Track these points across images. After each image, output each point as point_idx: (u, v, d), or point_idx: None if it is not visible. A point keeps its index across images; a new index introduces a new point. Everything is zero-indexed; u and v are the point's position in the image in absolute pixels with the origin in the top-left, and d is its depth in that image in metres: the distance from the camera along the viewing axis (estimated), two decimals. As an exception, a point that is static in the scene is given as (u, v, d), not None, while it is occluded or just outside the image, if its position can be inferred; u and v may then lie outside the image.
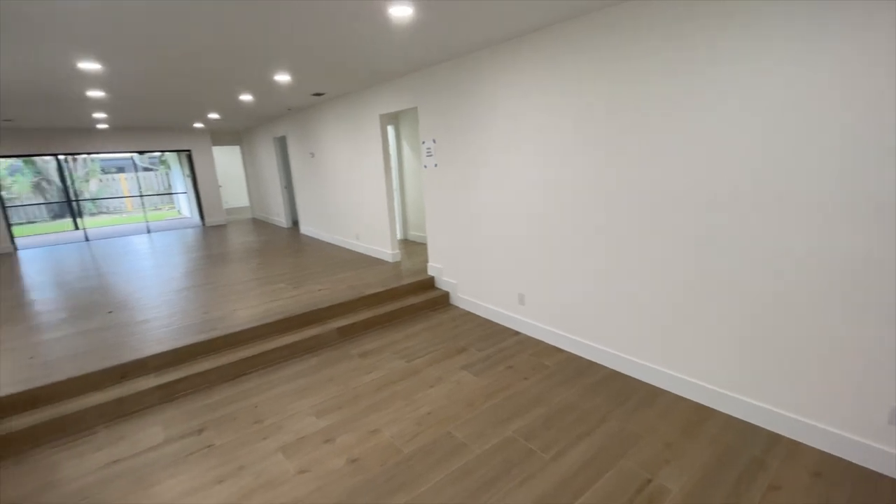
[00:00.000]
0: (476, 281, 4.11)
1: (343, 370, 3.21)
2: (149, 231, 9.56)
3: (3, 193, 15.09)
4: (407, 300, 4.30)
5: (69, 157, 15.42)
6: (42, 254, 7.63)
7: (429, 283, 4.62)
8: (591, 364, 3.11)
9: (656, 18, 2.36)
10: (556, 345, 3.41)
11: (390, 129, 6.66)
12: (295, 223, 9.15)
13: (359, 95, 5.31)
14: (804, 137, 1.96)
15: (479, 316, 4.12)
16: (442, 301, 4.45)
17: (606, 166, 2.76)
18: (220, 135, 10.28)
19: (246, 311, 3.88)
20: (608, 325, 3.01)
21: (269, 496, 2.03)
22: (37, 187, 15.66)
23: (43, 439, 2.53)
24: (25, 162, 14.92)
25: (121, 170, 17.19)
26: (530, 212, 3.36)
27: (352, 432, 2.47)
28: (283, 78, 4.18)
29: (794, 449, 2.16)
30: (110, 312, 4.08)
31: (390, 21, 2.64)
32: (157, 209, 15.78)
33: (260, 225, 9.69)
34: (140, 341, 3.31)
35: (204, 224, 10.03)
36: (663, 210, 2.54)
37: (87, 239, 8.96)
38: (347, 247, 6.50)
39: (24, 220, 14.31)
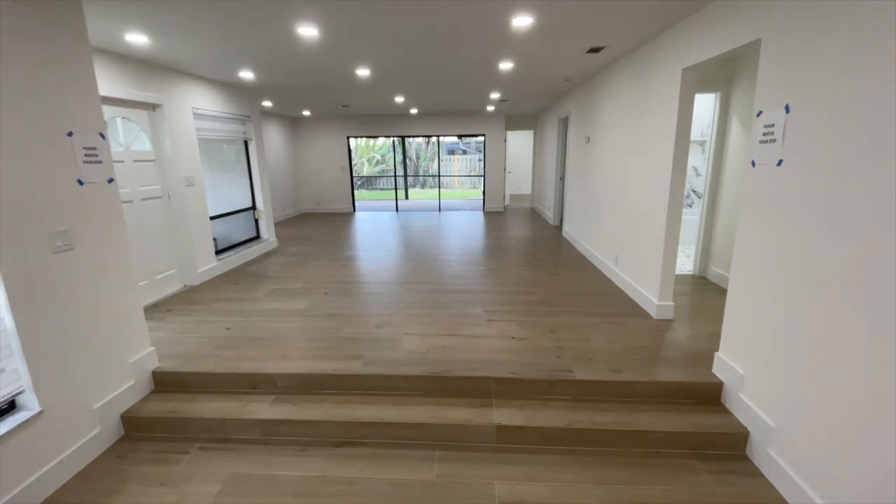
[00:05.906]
0: (834, 442, 1.64)
1: (457, 529, 1.75)
2: (439, 209, 10.38)
3: (383, 166, 20.68)
4: (649, 416, 2.28)
5: (424, 140, 19.64)
6: (363, 216, 9.38)
7: (709, 393, 2.37)
8: None
9: None
10: None
11: (712, 99, 4.17)
12: (561, 222, 7.79)
13: (652, 46, 3.30)
14: None
15: (818, 540, 1.67)
16: (730, 445, 2.13)
17: None
18: (515, 119, 9.94)
19: (409, 339, 2.94)
20: None
21: None
22: (401, 163, 20.69)
23: (153, 434, 2.35)
24: (400, 143, 19.81)
25: (464, 152, 20.47)
26: None
27: None
28: (521, 21, 2.81)
29: None
30: (326, 294, 4.04)
31: None
32: (474, 187, 17.76)
33: (532, 218, 8.84)
34: (300, 343, 2.92)
35: (483, 209, 10.10)
36: None
37: (396, 210, 10.58)
38: (601, 269, 4.65)
39: (389, 187, 19.27)
